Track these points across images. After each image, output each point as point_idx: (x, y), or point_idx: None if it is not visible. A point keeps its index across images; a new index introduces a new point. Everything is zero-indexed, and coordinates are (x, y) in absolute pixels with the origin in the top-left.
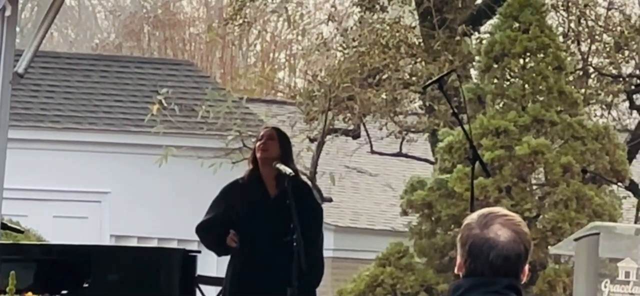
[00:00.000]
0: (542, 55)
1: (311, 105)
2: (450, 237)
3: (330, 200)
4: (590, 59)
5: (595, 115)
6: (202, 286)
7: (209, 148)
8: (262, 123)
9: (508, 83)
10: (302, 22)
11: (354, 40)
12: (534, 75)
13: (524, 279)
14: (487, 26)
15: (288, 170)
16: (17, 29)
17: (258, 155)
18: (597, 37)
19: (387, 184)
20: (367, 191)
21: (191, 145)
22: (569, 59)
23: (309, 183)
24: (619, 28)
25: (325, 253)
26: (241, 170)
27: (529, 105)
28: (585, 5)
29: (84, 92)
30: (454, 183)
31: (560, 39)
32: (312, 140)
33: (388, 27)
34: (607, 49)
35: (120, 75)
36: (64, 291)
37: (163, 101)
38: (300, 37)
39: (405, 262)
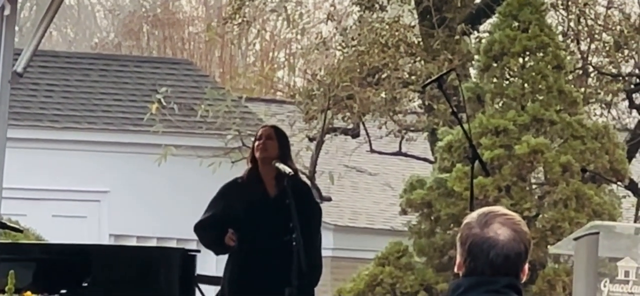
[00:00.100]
0: (541, 54)
1: (310, 104)
2: (450, 236)
3: (329, 199)
4: (589, 58)
5: (595, 114)
6: (201, 286)
7: (208, 147)
8: (262, 122)
9: (507, 82)
10: (302, 21)
11: (353, 39)
12: (533, 74)
13: (524, 278)
14: (486, 25)
15: (287, 170)
16: (16, 28)
17: (257, 155)
18: (596, 36)
19: (387, 183)
20: (366, 190)
21: (190, 144)
22: (568, 58)
23: (308, 182)
24: (618, 27)
25: (325, 253)
26: (240, 169)
27: (528, 104)
28: (585, 4)
29: (83, 91)
30: (453, 183)
31: (560, 38)
32: (311, 139)
33: (387, 26)
34: (607, 48)
35: (119, 74)
36: (63, 291)
37: (162, 100)
38: (299, 36)
39: (405, 261)
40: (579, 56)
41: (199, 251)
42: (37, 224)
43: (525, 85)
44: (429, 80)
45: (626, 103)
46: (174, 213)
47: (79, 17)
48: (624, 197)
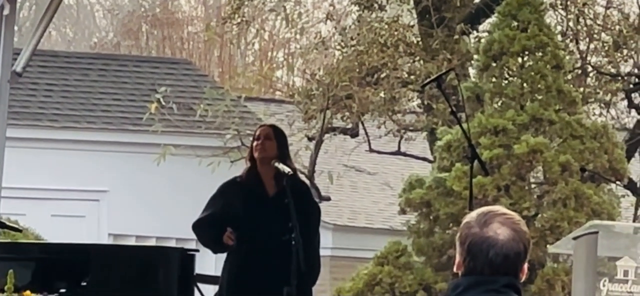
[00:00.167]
0: (540, 53)
1: (309, 104)
2: (449, 236)
3: (328, 199)
4: (588, 58)
5: (594, 114)
6: (200, 285)
7: (207, 147)
8: (261, 122)
9: (506, 82)
10: (301, 20)
11: (352, 39)
12: (532, 73)
13: (523, 278)
14: (485, 25)
15: (287, 169)
16: (15, 28)
17: (256, 155)
18: (595, 35)
19: (386, 183)
20: (365, 190)
21: (189, 144)
22: (567, 57)
23: (307, 182)
24: (617, 27)
25: (324, 252)
26: (239, 168)
27: (527, 104)
28: (584, 4)
29: (82, 90)
30: (452, 182)
31: (559, 37)
32: (310, 139)
33: (386, 26)
34: (606, 48)
35: (118, 74)
36: (62, 290)
37: (161, 100)
38: (298, 36)
39: (404, 261)
40: (578, 56)
41: (198, 250)
42: (36, 223)
43: (524, 84)
44: (428, 80)
45: (625, 102)
46: (173, 212)
47: (78, 17)
48: (623, 196)
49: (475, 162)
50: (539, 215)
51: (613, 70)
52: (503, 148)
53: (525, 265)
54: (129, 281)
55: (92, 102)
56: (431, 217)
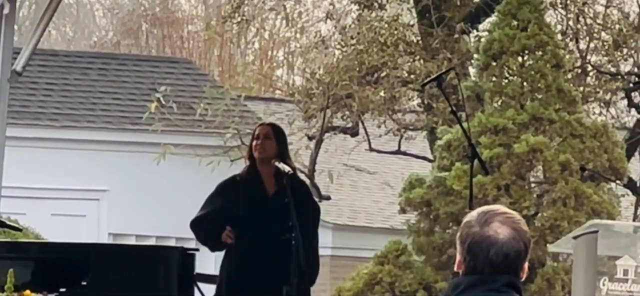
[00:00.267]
0: (540, 53)
1: (309, 103)
2: (449, 235)
3: (328, 198)
4: (588, 57)
5: (594, 113)
6: (200, 284)
7: (207, 146)
8: (260, 121)
9: (506, 81)
10: (301, 20)
11: (352, 38)
12: (532, 73)
13: (524, 277)
14: (485, 24)
15: (287, 168)
16: (15, 27)
17: (255, 155)
18: (595, 34)
19: (386, 182)
20: (365, 189)
21: (189, 143)
22: (567, 56)
23: (307, 181)
24: (617, 26)
25: (324, 252)
26: (239, 167)
27: (527, 103)
28: (584, 3)
29: (82, 89)
30: (452, 181)
31: (559, 36)
32: (310, 138)
33: (386, 25)
34: (606, 47)
35: (118, 73)
36: (62, 289)
37: (161, 99)
38: (298, 35)
39: (404, 260)
40: (578, 55)
41: (197, 250)
42: (36, 223)
43: (524, 84)
44: (428, 79)
45: (625, 102)
46: (173, 211)
47: (78, 16)
48: (623, 195)
49: (476, 161)
50: (539, 214)
51: (613, 69)
52: (503, 148)
53: (526, 264)
54: (129, 280)
55: (92, 101)
56: (431, 216)
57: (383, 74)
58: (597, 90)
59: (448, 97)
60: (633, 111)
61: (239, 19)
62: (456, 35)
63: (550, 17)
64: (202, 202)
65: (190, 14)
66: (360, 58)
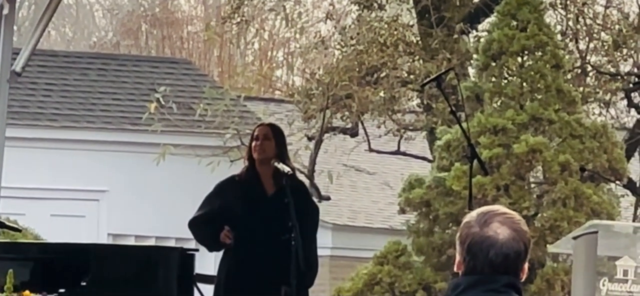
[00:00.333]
0: (540, 53)
1: (309, 104)
2: (448, 235)
3: (328, 199)
4: (588, 57)
5: (594, 113)
6: (200, 285)
7: (206, 146)
8: (260, 121)
9: (506, 81)
10: (300, 20)
11: (352, 38)
12: (532, 73)
13: (523, 277)
14: (485, 24)
15: (286, 169)
16: (15, 27)
17: (255, 156)
18: (595, 35)
19: (385, 182)
20: (365, 189)
21: (189, 144)
22: (567, 57)
23: (307, 181)
24: (617, 26)
25: (323, 252)
26: (239, 168)
27: (527, 104)
28: (584, 3)
29: (82, 90)
30: (452, 182)
31: (559, 37)
32: (310, 139)
33: (386, 26)
34: (605, 47)
35: (117, 73)
36: (62, 290)
37: (161, 99)
38: (298, 36)
39: (403, 261)
40: (578, 55)
41: (197, 250)
42: (36, 223)
43: (524, 84)
44: (428, 79)
45: (625, 102)
46: (172, 212)
47: (78, 17)
48: (623, 196)
49: (475, 162)
50: (539, 215)
51: (612, 70)
52: (502, 148)
53: (526, 265)
54: (129, 281)
55: (92, 101)
56: (431, 217)
57: (383, 74)
58: (597, 90)
59: (447, 98)
60: (633, 111)
61: (239, 20)
62: (456, 36)
63: (550, 17)
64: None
65: (190, 14)
66: (360, 58)
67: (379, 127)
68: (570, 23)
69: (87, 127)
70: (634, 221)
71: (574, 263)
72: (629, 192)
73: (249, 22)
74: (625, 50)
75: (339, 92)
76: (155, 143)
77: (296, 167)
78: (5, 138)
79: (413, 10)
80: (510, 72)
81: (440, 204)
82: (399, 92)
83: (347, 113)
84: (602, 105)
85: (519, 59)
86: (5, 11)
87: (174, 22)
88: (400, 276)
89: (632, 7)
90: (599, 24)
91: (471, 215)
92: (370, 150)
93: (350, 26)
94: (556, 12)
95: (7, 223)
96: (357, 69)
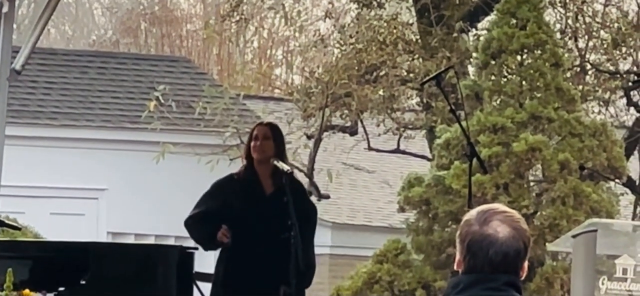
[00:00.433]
0: (539, 51)
1: (308, 102)
2: (448, 234)
3: (327, 197)
4: (587, 56)
5: (593, 112)
6: (199, 283)
7: (206, 144)
8: (259, 119)
9: (505, 79)
10: (299, 18)
11: (351, 36)
12: (531, 71)
13: (523, 276)
14: (484, 23)
15: (286, 167)
16: (14, 26)
17: (254, 156)
18: (594, 33)
19: (385, 181)
20: (364, 188)
21: (188, 142)
22: (566, 55)
23: (306, 180)
24: (616, 24)
25: (323, 250)
26: (238, 166)
27: (526, 102)
28: (583, 2)
29: (81, 88)
30: (451, 180)
31: (558, 35)
32: (309, 137)
33: (385, 24)
34: (605, 46)
35: (117, 71)
36: (61, 288)
37: (160, 98)
38: (297, 34)
39: (403, 259)
40: (577, 53)
41: (196, 248)
42: (35, 222)
43: (523, 82)
44: (427, 78)
45: (624, 100)
46: (172, 210)
47: (77, 15)
48: (622, 194)
49: (474, 160)
50: (538, 213)
51: (612, 68)
52: (502, 146)
53: (526, 263)
54: (128, 279)
55: (91, 99)
56: (430, 215)
57: (382, 73)
58: (596, 88)
59: (447, 96)
60: (632, 110)
61: (238, 18)
62: (455, 34)
63: (549, 15)
64: None
65: (189, 12)
66: (359, 57)
67: (378, 125)
68: (570, 21)
69: (87, 126)
70: (633, 219)
71: (573, 262)
72: (628, 191)
73: (248, 21)
74: (624, 49)
75: (338, 91)
76: (155, 141)
77: (295, 165)
78: (4, 136)
79: (412, 9)
80: (509, 70)
81: (440, 202)
82: (398, 91)
83: (346, 111)
84: (601, 103)
85: (519, 57)
86: (5, 9)
87: (173, 21)
88: (400, 275)
89: (632, 5)
90: (598, 22)
91: (471, 214)
92: (370, 148)
93: (349, 24)
94: (555, 10)
95: (7, 221)
96: (357, 68)
